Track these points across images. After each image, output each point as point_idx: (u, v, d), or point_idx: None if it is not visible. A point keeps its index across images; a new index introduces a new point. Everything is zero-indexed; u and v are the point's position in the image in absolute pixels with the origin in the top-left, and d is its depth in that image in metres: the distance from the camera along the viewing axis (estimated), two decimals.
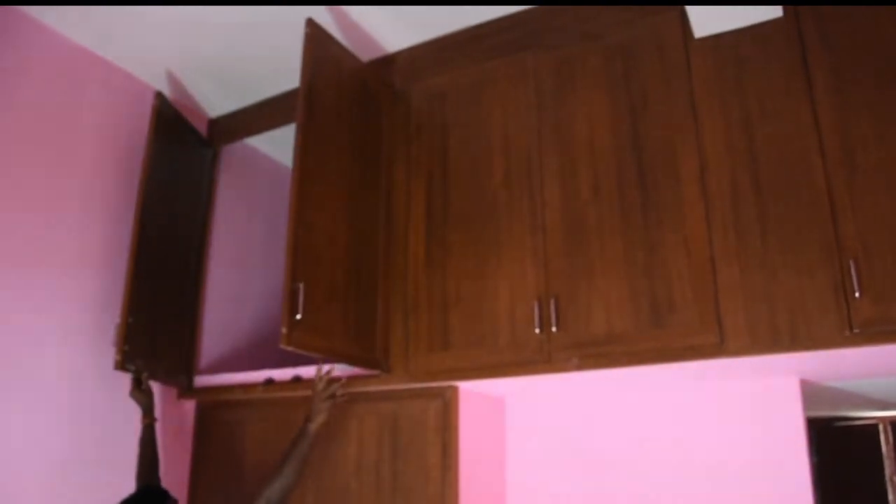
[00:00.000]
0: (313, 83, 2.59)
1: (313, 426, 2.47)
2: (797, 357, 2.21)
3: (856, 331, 2.02)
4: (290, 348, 2.29)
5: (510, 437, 2.98)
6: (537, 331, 2.39)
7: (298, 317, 2.30)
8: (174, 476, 3.04)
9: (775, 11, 2.30)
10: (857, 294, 2.02)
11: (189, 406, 3.23)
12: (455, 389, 2.63)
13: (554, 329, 2.37)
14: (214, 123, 3.58)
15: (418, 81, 2.94)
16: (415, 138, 2.87)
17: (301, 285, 2.34)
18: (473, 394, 2.73)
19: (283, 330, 2.27)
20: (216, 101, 3.46)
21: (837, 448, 3.85)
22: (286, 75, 3.15)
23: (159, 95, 3.05)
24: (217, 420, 3.16)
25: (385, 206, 2.85)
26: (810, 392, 2.89)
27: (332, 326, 2.50)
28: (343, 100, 2.75)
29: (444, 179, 2.75)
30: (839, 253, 2.07)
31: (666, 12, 2.48)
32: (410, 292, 2.70)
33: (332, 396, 2.52)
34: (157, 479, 2.66)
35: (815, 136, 2.18)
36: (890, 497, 3.72)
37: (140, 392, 2.78)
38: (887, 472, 3.76)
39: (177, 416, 3.16)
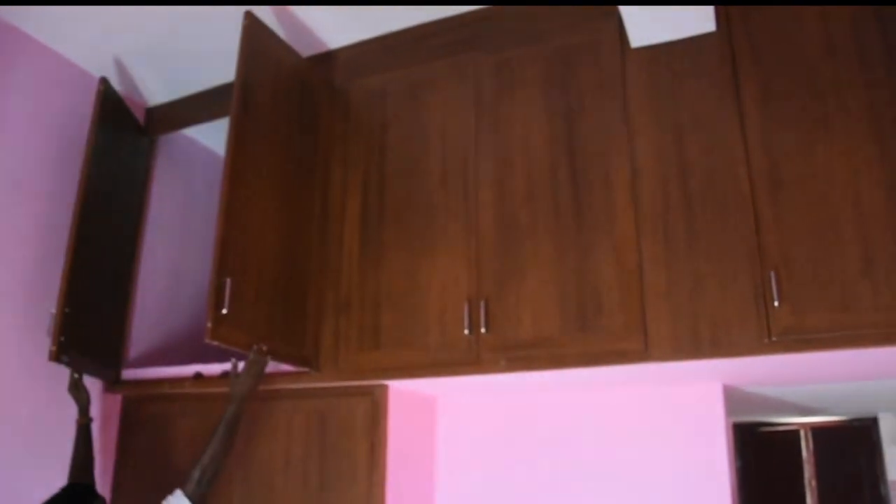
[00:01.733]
0: (249, 77, 2.56)
1: (239, 389, 2.42)
2: (719, 363, 2.27)
3: (774, 339, 2.08)
4: (215, 343, 2.26)
5: (440, 437, 2.99)
6: (466, 332, 2.40)
7: (224, 311, 2.27)
8: (98, 471, 2.96)
9: (708, 25, 2.35)
10: (776, 303, 2.08)
11: (115, 400, 3.16)
12: (385, 388, 2.62)
13: (483, 330, 2.38)
14: (152, 112, 3.51)
15: (359, 79, 2.92)
16: (353, 135, 2.86)
17: (228, 280, 2.31)
18: (404, 393, 2.73)
19: (209, 324, 2.24)
20: (155, 90, 3.39)
21: (761, 452, 3.96)
22: (227, 67, 3.10)
23: (104, 81, 2.98)
24: (144, 414, 3.10)
25: (321, 203, 2.83)
26: (734, 397, 2.97)
27: (260, 322, 2.48)
28: (280, 94, 2.72)
29: (381, 178, 2.75)
30: (761, 263, 2.13)
31: (604, 20, 2.51)
32: (343, 290, 2.69)
33: (258, 362, 2.46)
34: (92, 479, 2.61)
35: (742, 149, 2.24)
36: (808, 500, 3.84)
37: (77, 390, 2.74)
38: (806, 475, 3.88)
39: (103, 410, 3.09)
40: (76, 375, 2.75)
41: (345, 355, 2.63)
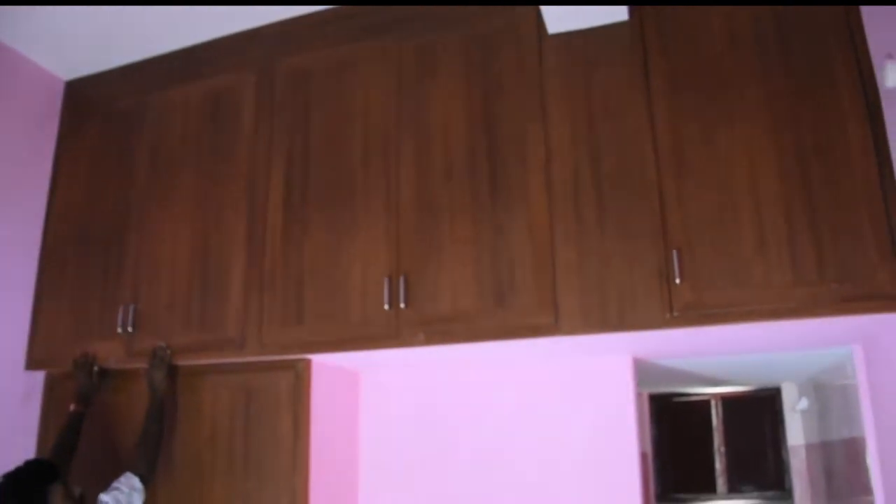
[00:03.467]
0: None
1: (153, 383, 2.70)
2: (628, 337, 2.40)
3: (675, 314, 2.21)
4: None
5: (364, 410, 3.06)
6: (387, 307, 2.48)
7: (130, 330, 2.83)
8: (21, 450, 2.95)
9: (621, 14, 2.45)
10: (677, 281, 2.21)
11: (38, 377, 3.14)
12: (307, 362, 2.68)
13: (402, 305, 2.46)
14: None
15: (285, 58, 2.94)
16: (278, 113, 2.88)
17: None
18: (327, 367, 2.79)
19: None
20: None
21: (675, 421, 4.15)
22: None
23: None
24: (69, 390, 3.08)
25: (248, 181, 2.86)
26: (645, 369, 3.12)
27: (174, 326, 2.83)
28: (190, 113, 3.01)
29: (305, 156, 2.79)
30: (665, 243, 2.26)
31: (524, 6, 2.58)
32: (267, 266, 2.73)
33: (162, 360, 2.74)
34: (67, 468, 2.57)
35: (650, 135, 2.36)
36: (717, 464, 4.05)
37: (85, 376, 2.83)
38: (716, 442, 4.09)
39: (26, 387, 3.07)
40: (89, 363, 2.86)
41: (268, 330, 2.68)
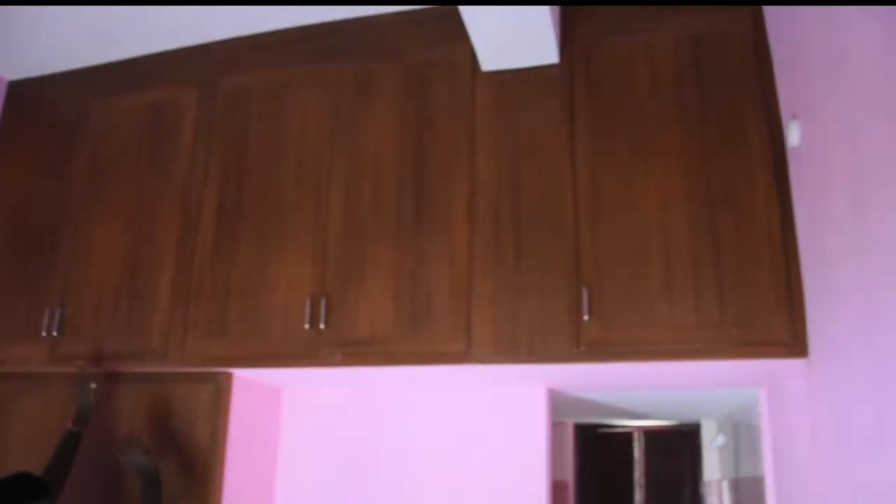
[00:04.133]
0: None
1: (77, 429, 2.55)
2: (540, 368, 2.48)
3: (583, 349, 2.30)
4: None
5: (284, 427, 3.09)
6: (307, 326, 2.53)
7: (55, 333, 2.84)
8: None
9: (552, 56, 2.55)
10: (586, 317, 2.29)
11: None
12: (229, 376, 2.72)
13: (322, 326, 2.51)
14: None
15: (227, 75, 2.99)
16: (217, 130, 2.92)
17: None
18: (248, 382, 2.83)
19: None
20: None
21: (598, 452, 4.25)
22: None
23: None
24: None
25: (183, 194, 2.89)
26: (564, 400, 3.20)
27: (99, 332, 2.84)
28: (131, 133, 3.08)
29: (240, 174, 2.83)
30: (577, 280, 2.35)
31: (461, 41, 2.64)
32: (195, 279, 2.76)
33: (89, 394, 2.63)
34: (59, 491, 2.46)
35: (570, 174, 2.45)
36: (637, 497, 4.15)
37: (84, 393, 2.64)
38: (636, 474, 4.19)
39: None
40: (86, 377, 2.67)
41: (192, 342, 2.71)
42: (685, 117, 2.42)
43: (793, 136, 2.20)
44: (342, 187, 2.66)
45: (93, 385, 2.66)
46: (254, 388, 2.88)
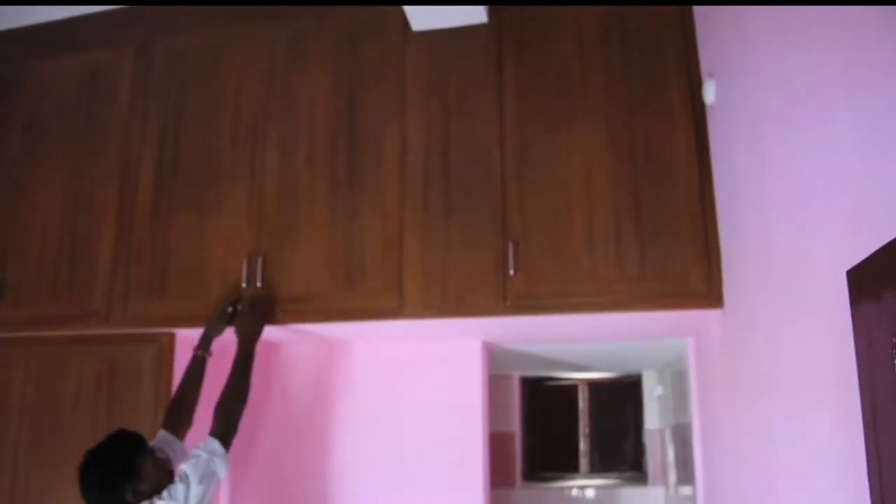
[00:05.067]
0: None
1: (244, 329, 2.50)
2: (473, 322, 2.56)
3: (509, 303, 2.38)
4: None
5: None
6: (244, 285, 2.57)
7: None
8: None
9: (481, 16, 2.59)
10: (512, 272, 2.37)
11: None
12: (171, 336, 2.76)
13: (259, 285, 2.56)
14: None
15: (163, 37, 2.98)
16: (153, 92, 2.93)
17: None
18: (192, 340, 2.86)
19: None
20: None
21: (544, 404, 4.36)
22: None
23: None
24: None
25: (120, 157, 2.90)
26: (501, 354, 3.30)
27: (41, 296, 2.86)
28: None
29: (177, 136, 2.85)
30: (504, 235, 2.42)
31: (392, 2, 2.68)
32: (135, 242, 2.79)
33: (253, 303, 2.54)
34: (188, 424, 2.47)
35: (498, 133, 2.51)
36: (581, 445, 4.29)
37: (219, 317, 2.55)
38: (581, 425, 4.32)
39: None
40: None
41: (133, 304, 2.74)
42: (610, 77, 2.49)
43: (709, 93, 2.28)
44: (276, 147, 2.69)
45: (229, 309, 2.57)
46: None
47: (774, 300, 1.76)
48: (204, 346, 2.53)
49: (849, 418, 1.24)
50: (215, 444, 2.21)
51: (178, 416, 2.45)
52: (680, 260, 2.32)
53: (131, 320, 2.74)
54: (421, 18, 2.61)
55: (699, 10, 2.45)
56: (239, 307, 2.56)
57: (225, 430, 2.27)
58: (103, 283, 2.80)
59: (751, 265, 1.97)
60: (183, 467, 2.14)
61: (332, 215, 2.57)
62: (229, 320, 2.56)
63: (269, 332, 2.68)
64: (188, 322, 2.68)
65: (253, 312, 2.52)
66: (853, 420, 1.18)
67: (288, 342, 3.04)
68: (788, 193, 1.62)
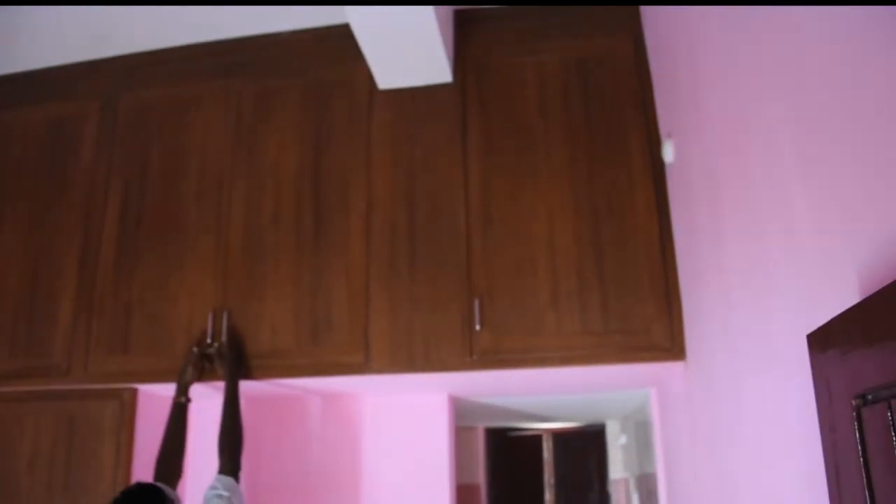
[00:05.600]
0: None
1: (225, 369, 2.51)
2: (438, 377, 2.56)
3: (475, 357, 2.41)
4: None
5: (192, 439, 3.09)
6: (209, 341, 2.56)
7: None
8: None
9: (445, 76, 2.65)
10: (478, 327, 2.40)
11: None
12: (133, 391, 2.73)
13: (224, 340, 2.55)
14: None
15: (128, 91, 3.00)
16: (118, 146, 2.93)
17: None
18: (154, 397, 2.83)
19: None
20: None
21: (509, 454, 4.37)
22: None
23: None
24: None
25: (83, 210, 2.89)
26: (468, 406, 3.31)
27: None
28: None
29: (142, 189, 2.84)
30: (469, 292, 2.45)
31: (359, 60, 2.71)
32: (97, 296, 2.76)
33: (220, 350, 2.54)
34: (177, 472, 2.46)
35: (462, 191, 2.56)
36: (547, 496, 4.28)
37: (193, 363, 2.54)
38: (546, 475, 4.33)
39: None
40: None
41: (94, 358, 2.71)
42: (571, 135, 2.56)
43: (668, 153, 2.35)
44: (242, 202, 2.71)
45: (195, 349, 2.56)
46: (159, 402, 2.88)
47: (736, 356, 1.80)
48: (181, 391, 2.53)
49: (811, 473, 1.27)
50: (231, 481, 2.29)
51: (170, 467, 2.44)
52: (642, 314, 2.37)
53: (92, 375, 2.71)
54: (387, 77, 2.67)
55: (657, 69, 2.54)
56: (209, 350, 2.55)
57: (234, 465, 2.35)
58: (64, 336, 2.76)
59: (712, 320, 2.02)
60: None
61: (298, 271, 2.58)
62: (199, 364, 2.56)
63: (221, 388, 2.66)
64: (152, 377, 2.66)
65: (230, 353, 2.53)
66: (816, 475, 1.22)
67: (253, 394, 3.01)
68: (747, 254, 1.68)
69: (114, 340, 2.70)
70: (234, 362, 2.54)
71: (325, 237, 2.59)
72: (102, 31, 2.92)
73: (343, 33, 2.77)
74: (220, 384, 2.57)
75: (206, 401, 3.08)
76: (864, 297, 1.05)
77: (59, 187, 2.94)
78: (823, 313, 1.16)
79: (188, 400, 2.55)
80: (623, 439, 4.09)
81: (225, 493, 2.21)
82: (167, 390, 2.81)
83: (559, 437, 4.39)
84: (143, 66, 3.02)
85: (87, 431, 2.73)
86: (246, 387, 2.69)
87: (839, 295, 1.15)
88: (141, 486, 2.15)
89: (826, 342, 1.15)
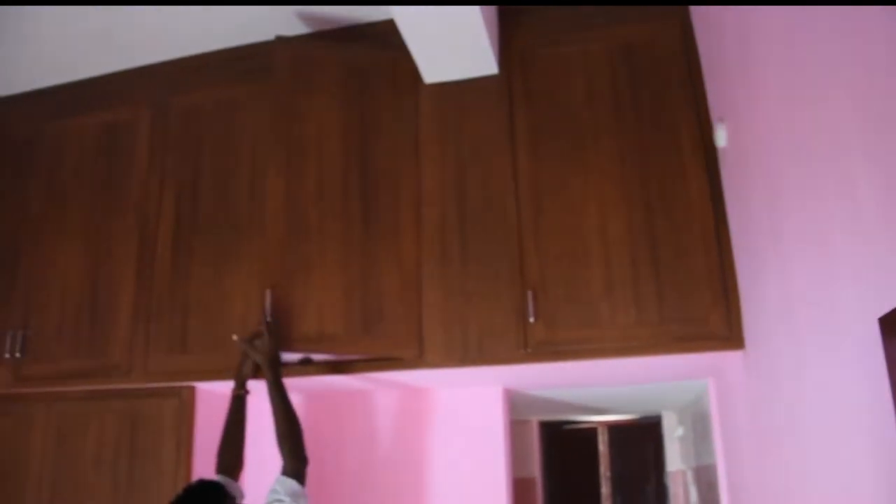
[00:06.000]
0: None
1: (261, 356, 2.41)
2: (493, 370, 2.55)
3: (529, 350, 2.39)
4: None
5: (249, 435, 3.13)
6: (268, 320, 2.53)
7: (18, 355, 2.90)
8: None
9: (491, 68, 2.63)
10: (532, 319, 2.38)
11: None
12: (192, 390, 2.77)
13: (268, 323, 2.52)
14: None
15: (177, 95, 3.04)
16: (171, 149, 2.98)
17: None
18: (212, 394, 2.88)
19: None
20: None
21: (564, 447, 4.34)
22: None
23: None
24: None
25: (138, 213, 2.95)
26: (523, 399, 3.29)
27: (62, 352, 2.90)
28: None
29: (195, 190, 2.89)
30: (522, 284, 2.43)
31: (404, 54, 2.66)
32: (155, 297, 2.82)
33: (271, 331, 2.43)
34: (238, 464, 2.44)
35: (512, 182, 2.54)
36: (603, 489, 4.24)
37: (254, 349, 2.44)
38: (602, 467, 4.29)
39: None
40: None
41: (154, 358, 2.76)
42: (620, 122, 2.52)
43: (720, 137, 2.30)
44: (283, 193, 2.63)
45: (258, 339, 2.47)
46: (217, 399, 2.92)
47: (799, 343, 1.76)
48: (239, 385, 2.50)
49: (887, 464, 1.23)
50: (291, 484, 2.20)
51: (231, 459, 2.43)
52: (699, 303, 2.32)
53: (152, 375, 2.76)
54: (433, 72, 2.66)
55: (705, 53, 2.49)
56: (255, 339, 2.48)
57: (296, 462, 2.26)
58: (124, 337, 2.82)
59: (772, 308, 1.98)
60: None
61: (348, 264, 2.54)
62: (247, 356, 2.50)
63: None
64: (209, 375, 2.70)
65: (263, 342, 2.43)
66: (893, 466, 1.18)
67: (305, 388, 3.05)
68: (809, 239, 1.64)
69: (172, 340, 2.75)
70: (269, 349, 2.41)
71: (375, 225, 2.58)
72: (151, 35, 2.97)
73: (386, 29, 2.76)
74: (287, 381, 2.58)
75: (264, 396, 3.14)
76: None
77: (115, 192, 3.00)
78: (892, 297, 1.12)
79: (247, 392, 2.52)
80: (680, 431, 4.03)
81: (286, 499, 2.15)
82: (225, 387, 2.85)
83: (614, 429, 4.35)
84: (188, 71, 3.06)
85: (149, 429, 2.79)
86: (299, 382, 2.71)
87: None
88: (203, 483, 2.17)
89: None
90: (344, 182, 2.65)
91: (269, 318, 2.47)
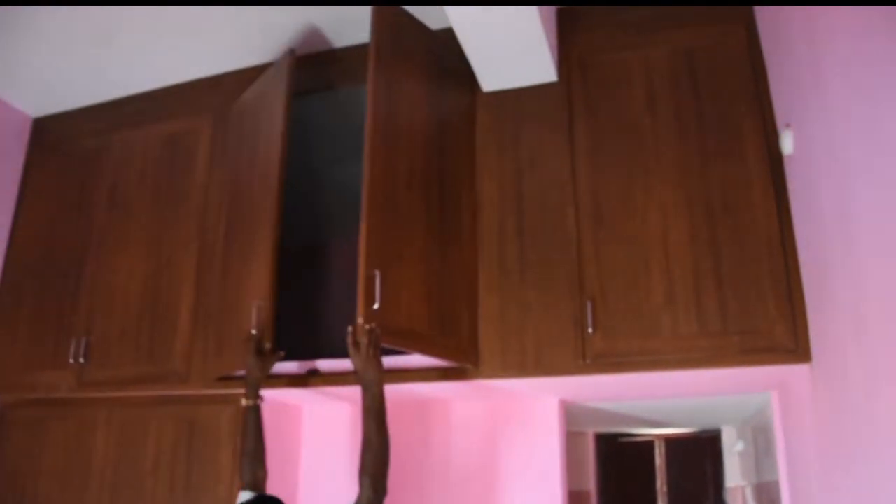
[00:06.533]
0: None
1: (367, 375, 2.16)
2: (550, 381, 2.52)
3: (588, 361, 2.35)
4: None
5: (305, 443, 3.16)
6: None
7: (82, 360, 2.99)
8: None
9: (550, 76, 2.61)
10: (590, 330, 2.34)
11: None
12: None
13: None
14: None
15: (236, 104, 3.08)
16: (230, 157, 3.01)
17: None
18: (269, 401, 2.89)
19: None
20: None
21: (620, 460, 4.26)
22: None
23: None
24: (19, 418, 3.18)
25: (199, 221, 3.00)
26: (579, 411, 3.24)
27: (124, 358, 2.96)
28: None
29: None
30: (581, 293, 2.40)
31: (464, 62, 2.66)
32: (207, 303, 2.86)
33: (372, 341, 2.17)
34: (264, 473, 2.39)
35: (571, 190, 2.51)
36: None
37: (255, 359, 2.42)
38: (658, 482, 4.20)
39: None
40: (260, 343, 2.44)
41: (212, 365, 2.78)
42: (682, 129, 2.47)
43: (787, 144, 2.24)
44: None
45: (267, 345, 2.44)
46: (274, 406, 2.95)
47: (872, 357, 1.69)
48: (251, 394, 2.43)
49: None
50: None
51: (256, 471, 2.39)
52: (763, 314, 2.25)
53: (210, 381, 2.79)
54: (492, 80, 2.64)
55: (771, 55, 2.42)
56: (266, 346, 2.43)
57: (374, 494, 2.05)
58: (183, 344, 2.87)
59: (841, 320, 1.91)
60: None
61: (427, 271, 2.44)
62: (260, 361, 2.45)
63: (335, 392, 2.70)
64: (266, 382, 2.70)
65: (369, 355, 2.16)
66: None
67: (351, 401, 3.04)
68: (884, 248, 1.57)
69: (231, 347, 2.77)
70: (368, 363, 2.15)
71: (449, 226, 2.53)
72: (203, 51, 3.04)
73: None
74: (331, 389, 2.59)
75: (318, 406, 3.16)
76: None
77: (176, 200, 3.06)
78: None
79: (261, 399, 2.45)
80: (740, 445, 3.92)
81: None
82: (279, 395, 2.89)
83: (671, 443, 4.26)
84: (248, 81, 3.09)
85: (206, 435, 2.82)
86: (342, 391, 2.70)
87: None
88: (263, 499, 2.20)
89: None
90: (425, 176, 2.50)
91: (254, 331, 2.44)
